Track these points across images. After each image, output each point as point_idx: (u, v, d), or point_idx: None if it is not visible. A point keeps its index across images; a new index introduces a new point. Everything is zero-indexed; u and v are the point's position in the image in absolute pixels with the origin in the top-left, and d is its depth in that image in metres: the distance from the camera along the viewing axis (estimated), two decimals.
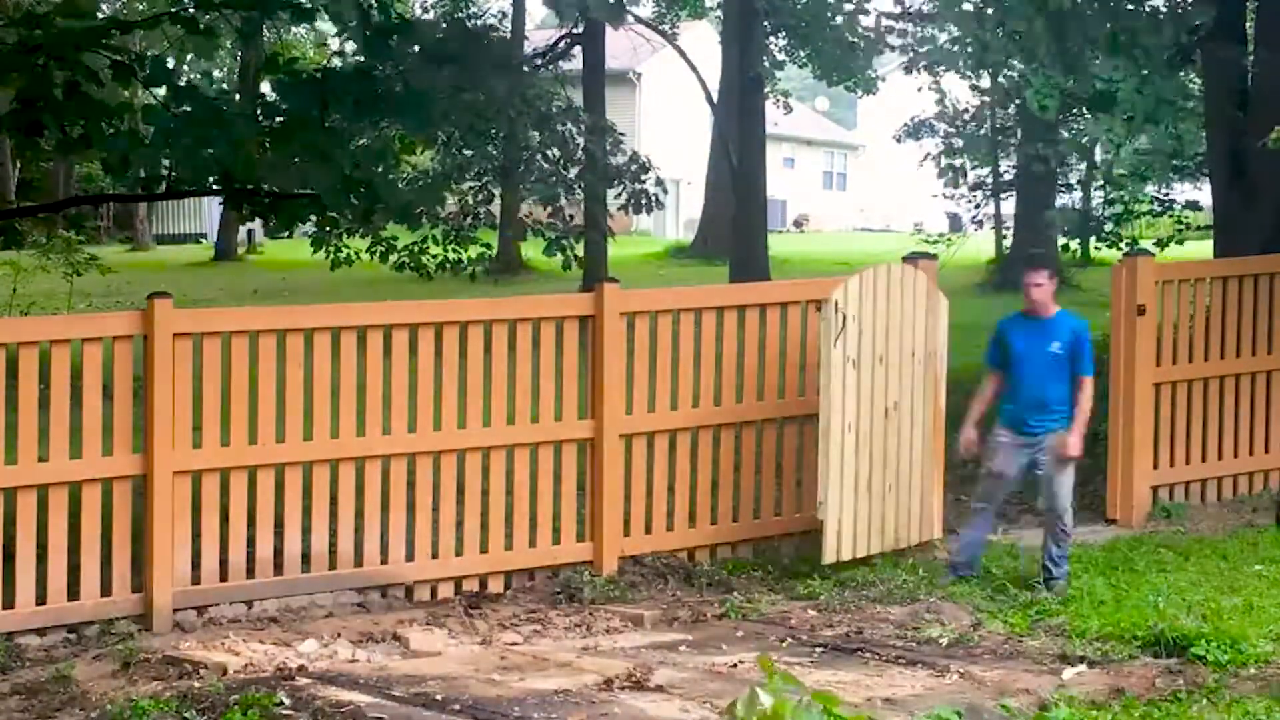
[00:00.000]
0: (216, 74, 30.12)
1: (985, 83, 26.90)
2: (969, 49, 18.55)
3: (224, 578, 8.59)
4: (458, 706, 6.90)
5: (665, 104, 45.47)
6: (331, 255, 19.77)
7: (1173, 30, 14.72)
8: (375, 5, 10.99)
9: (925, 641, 8.10)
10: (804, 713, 3.88)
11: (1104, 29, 14.97)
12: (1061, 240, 25.47)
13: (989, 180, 28.39)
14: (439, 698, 7.02)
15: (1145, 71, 15.08)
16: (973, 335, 10.73)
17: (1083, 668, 7.58)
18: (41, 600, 8.16)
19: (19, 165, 33.13)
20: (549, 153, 20.00)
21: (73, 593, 8.24)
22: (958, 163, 28.21)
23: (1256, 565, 9.69)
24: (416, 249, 19.78)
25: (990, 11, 16.72)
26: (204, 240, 42.20)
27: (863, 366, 9.61)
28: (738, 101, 25.93)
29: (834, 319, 9.42)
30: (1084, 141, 22.75)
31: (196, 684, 7.22)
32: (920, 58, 25.59)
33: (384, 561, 9.02)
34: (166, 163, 10.25)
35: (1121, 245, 20.36)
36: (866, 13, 24.60)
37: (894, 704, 6.92)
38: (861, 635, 8.24)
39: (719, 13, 33.27)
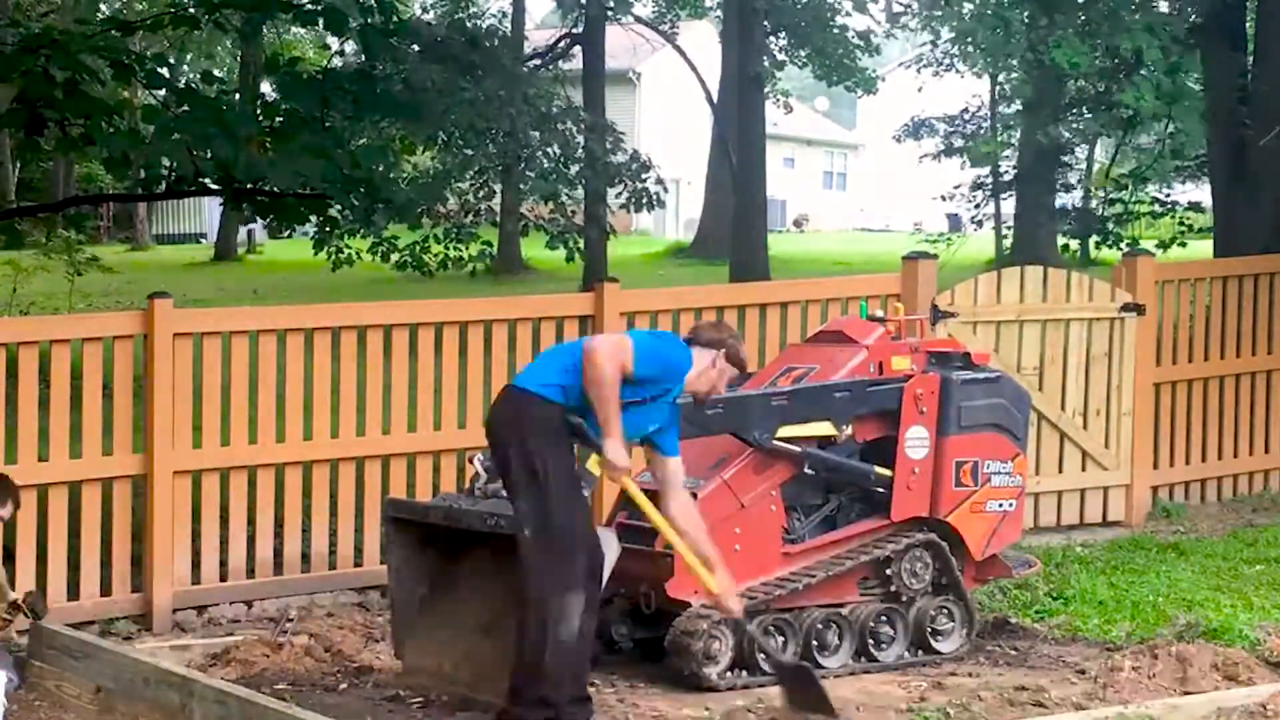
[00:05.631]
0: (217, 73, 30.02)
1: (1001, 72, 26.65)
2: (997, 30, 18.41)
3: (224, 578, 8.59)
4: (458, 706, 6.89)
5: (665, 104, 45.40)
6: (333, 257, 19.86)
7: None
8: (376, 5, 10.99)
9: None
10: None
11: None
12: (1061, 240, 25.42)
13: (989, 180, 28.33)
14: (439, 697, 7.01)
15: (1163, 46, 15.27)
16: None
17: (1083, 668, 7.57)
18: None
19: (19, 165, 33.12)
20: (549, 150, 20.03)
21: (72, 593, 8.24)
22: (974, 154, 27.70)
23: (1256, 565, 9.69)
24: (418, 248, 19.83)
25: None
26: (204, 240, 42.19)
27: None
28: (737, 101, 25.97)
29: None
30: (1099, 125, 22.60)
31: None
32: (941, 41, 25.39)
33: (384, 561, 9.00)
34: (166, 162, 10.25)
35: (1121, 246, 20.33)
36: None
37: (895, 704, 6.91)
38: None
39: (719, 13, 33.28)
